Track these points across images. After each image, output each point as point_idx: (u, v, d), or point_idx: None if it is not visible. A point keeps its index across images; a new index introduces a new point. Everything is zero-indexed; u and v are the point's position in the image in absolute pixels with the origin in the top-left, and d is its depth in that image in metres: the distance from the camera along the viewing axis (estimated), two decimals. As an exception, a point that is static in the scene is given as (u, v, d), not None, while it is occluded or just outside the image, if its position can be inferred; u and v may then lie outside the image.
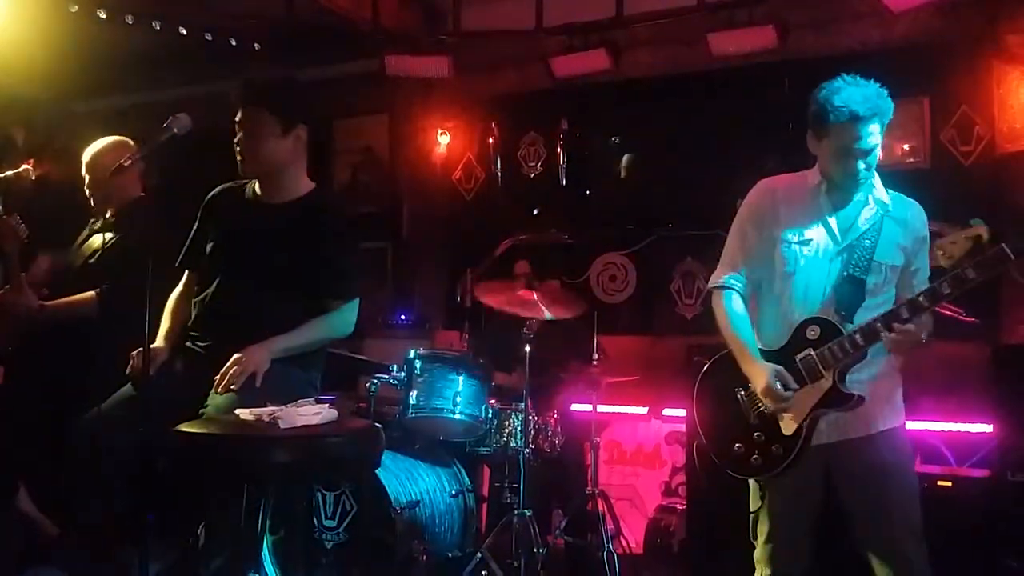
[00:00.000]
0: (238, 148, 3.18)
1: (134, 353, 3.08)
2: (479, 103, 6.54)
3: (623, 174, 6.16)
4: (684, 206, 5.79)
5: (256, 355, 2.99)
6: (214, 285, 3.20)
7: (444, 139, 6.62)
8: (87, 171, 4.01)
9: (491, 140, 6.44)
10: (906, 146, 5.25)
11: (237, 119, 3.18)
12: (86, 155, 4.01)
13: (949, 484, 3.86)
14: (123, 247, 3.82)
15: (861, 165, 2.76)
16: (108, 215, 4.00)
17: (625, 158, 6.17)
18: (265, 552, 3.76)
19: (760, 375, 2.80)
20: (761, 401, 2.85)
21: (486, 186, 6.56)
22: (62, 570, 3.85)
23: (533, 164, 6.45)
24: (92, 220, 4.11)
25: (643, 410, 5.46)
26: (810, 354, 2.77)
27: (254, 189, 3.29)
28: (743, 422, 2.91)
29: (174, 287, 3.37)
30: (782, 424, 2.82)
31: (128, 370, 3.10)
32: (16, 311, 3.84)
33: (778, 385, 2.76)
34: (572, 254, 6.07)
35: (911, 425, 4.24)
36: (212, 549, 3.13)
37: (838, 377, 2.75)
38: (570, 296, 4.89)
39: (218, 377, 2.95)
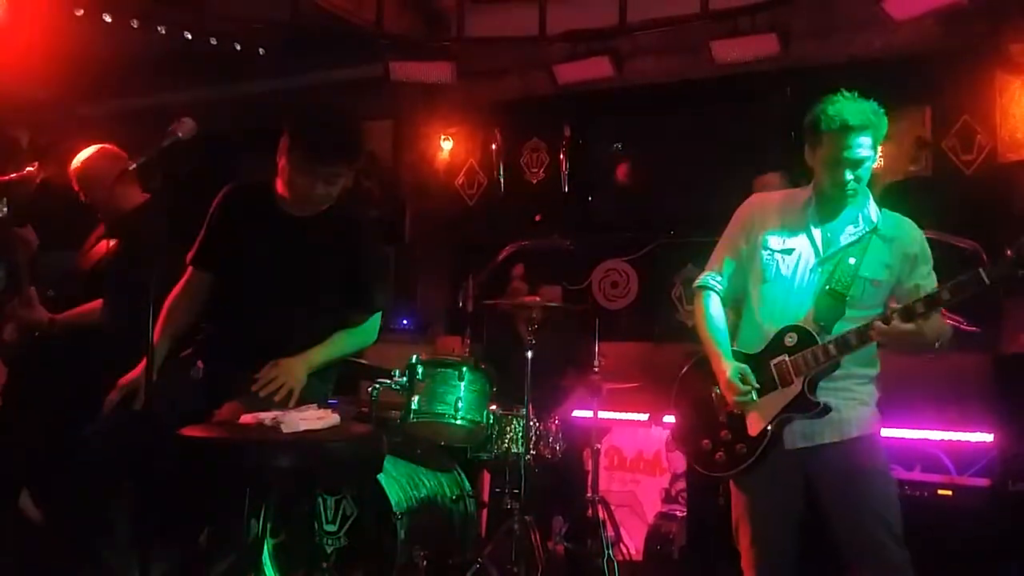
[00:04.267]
0: (313, 192, 3.07)
1: (120, 383, 3.06)
2: (482, 109, 6.56)
3: (625, 178, 6.17)
4: (686, 213, 5.80)
5: (295, 371, 3.01)
6: (243, 298, 3.16)
7: (447, 145, 6.64)
8: (80, 185, 3.98)
9: (494, 146, 6.45)
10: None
11: (308, 167, 3.04)
12: (76, 169, 3.98)
13: (949, 493, 3.86)
14: (128, 253, 3.82)
15: (849, 176, 2.80)
16: (112, 221, 4.00)
17: (621, 165, 6.18)
18: (266, 556, 3.78)
19: (724, 370, 2.91)
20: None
21: (489, 192, 6.58)
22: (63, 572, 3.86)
23: (536, 170, 6.47)
24: (100, 223, 4.12)
25: (644, 417, 5.45)
26: (784, 360, 2.86)
27: (279, 199, 3.18)
28: (713, 420, 3.01)
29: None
30: (749, 424, 2.91)
31: (112, 399, 3.06)
32: (26, 324, 3.85)
33: (738, 380, 2.86)
34: (574, 260, 6.08)
35: (911, 434, 4.29)
36: (216, 553, 3.13)
37: (808, 384, 2.83)
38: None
39: (258, 380, 2.95)
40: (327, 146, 3.04)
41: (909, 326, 2.66)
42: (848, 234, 2.88)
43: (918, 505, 3.71)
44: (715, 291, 3.07)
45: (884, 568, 2.78)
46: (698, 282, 3.12)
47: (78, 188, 4.00)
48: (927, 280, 2.85)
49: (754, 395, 2.87)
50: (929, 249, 2.92)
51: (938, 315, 2.78)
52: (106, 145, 4.02)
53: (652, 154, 6.13)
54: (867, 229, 2.88)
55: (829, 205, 2.92)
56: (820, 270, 2.89)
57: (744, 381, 2.87)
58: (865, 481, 2.83)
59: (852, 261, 2.85)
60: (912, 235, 2.92)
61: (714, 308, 3.05)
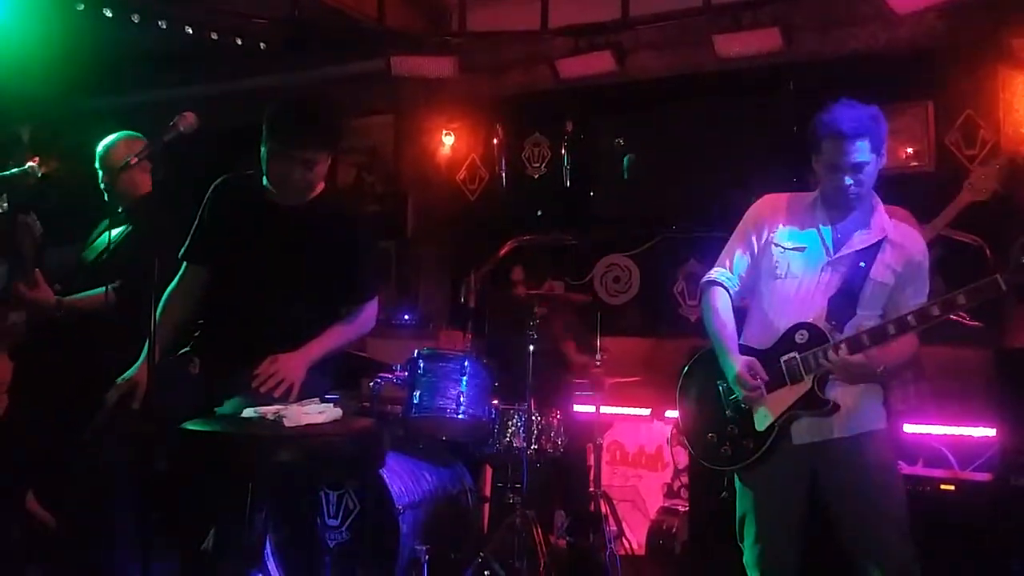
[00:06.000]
0: (292, 178, 3.09)
1: (118, 382, 3.06)
2: (484, 104, 6.54)
3: (626, 175, 6.16)
4: (688, 208, 5.78)
5: (295, 367, 2.99)
6: (235, 291, 3.16)
7: (449, 140, 6.62)
8: (100, 167, 4.03)
9: (496, 141, 6.44)
10: (910, 149, 5.25)
11: (285, 152, 3.07)
12: (99, 151, 4.04)
13: (952, 488, 3.85)
14: (133, 243, 3.83)
15: (848, 180, 2.84)
16: (119, 211, 4.02)
17: (626, 159, 6.17)
18: (268, 551, 3.78)
19: (733, 364, 2.92)
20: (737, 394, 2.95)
21: (490, 187, 6.56)
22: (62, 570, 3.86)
23: (537, 165, 6.45)
24: (106, 217, 4.13)
25: (646, 411, 5.46)
26: (795, 357, 2.87)
27: (267, 190, 3.20)
28: (719, 414, 3.02)
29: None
30: (756, 419, 2.92)
31: (110, 397, 3.06)
32: (32, 304, 3.86)
33: (748, 374, 2.87)
34: (576, 255, 6.07)
35: (914, 428, 4.28)
36: (220, 552, 3.13)
37: (818, 382, 2.85)
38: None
39: (257, 377, 2.93)
40: (300, 130, 3.06)
41: (859, 357, 2.74)
42: (860, 239, 2.91)
43: (921, 500, 3.70)
44: (725, 286, 3.07)
45: (890, 565, 2.78)
46: (708, 277, 3.12)
47: (99, 169, 4.02)
48: (920, 292, 2.90)
49: (763, 389, 2.87)
50: (928, 263, 2.96)
51: (910, 337, 2.82)
52: (131, 133, 4.04)
53: (654, 149, 6.11)
54: (879, 237, 2.90)
55: (835, 208, 2.95)
56: (830, 269, 2.91)
57: (753, 375, 2.87)
58: (873, 478, 2.84)
59: (863, 263, 2.87)
60: (919, 246, 2.96)
61: (723, 303, 3.05)
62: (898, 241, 2.92)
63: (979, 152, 5.09)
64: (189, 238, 3.28)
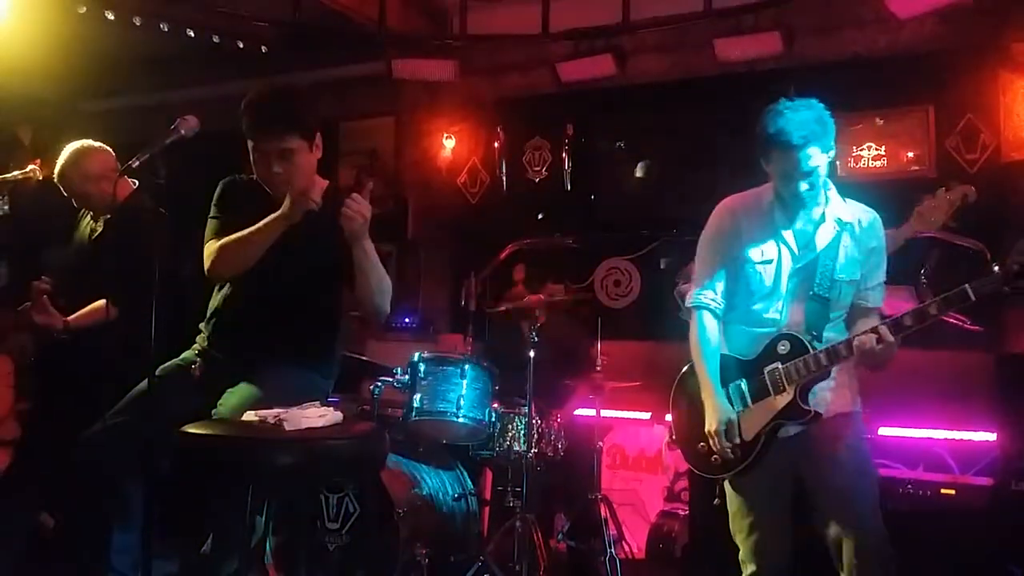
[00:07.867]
0: (273, 173, 3.05)
1: None
2: (485, 107, 6.55)
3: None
4: (689, 212, 5.74)
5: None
6: (241, 293, 3.15)
7: (450, 143, 6.62)
8: (67, 186, 3.97)
9: (497, 144, 6.44)
10: (911, 154, 5.25)
11: (259, 147, 3.05)
12: (58, 170, 3.95)
13: (952, 492, 3.86)
14: (125, 248, 3.81)
15: (803, 186, 2.88)
16: (106, 216, 3.98)
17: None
18: (267, 554, 3.78)
19: (713, 415, 2.96)
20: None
21: (491, 190, 6.56)
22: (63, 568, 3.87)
23: (538, 169, 6.46)
24: (82, 214, 4.10)
25: (646, 415, 5.46)
26: (777, 368, 2.93)
27: (269, 192, 3.18)
28: None
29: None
30: (743, 429, 2.97)
31: None
32: (41, 329, 3.85)
33: (723, 433, 2.92)
34: (577, 259, 6.06)
35: (915, 433, 4.29)
36: (220, 555, 3.13)
37: (800, 392, 2.90)
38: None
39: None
40: (264, 117, 3.02)
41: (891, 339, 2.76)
42: (822, 238, 2.95)
43: (921, 504, 3.71)
44: (710, 309, 3.09)
45: (864, 538, 2.82)
46: (694, 300, 3.13)
47: (65, 189, 3.98)
48: (877, 273, 2.97)
49: (728, 452, 2.92)
50: (885, 241, 3.00)
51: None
52: (79, 145, 4.00)
53: (655, 153, 6.11)
54: (839, 229, 2.95)
55: (792, 208, 2.98)
56: (800, 275, 2.96)
57: (729, 435, 2.92)
58: (847, 455, 2.89)
59: (829, 265, 2.92)
60: (875, 227, 2.99)
61: (710, 330, 3.07)
62: (857, 231, 2.95)
63: (980, 156, 5.09)
64: (219, 225, 3.20)
